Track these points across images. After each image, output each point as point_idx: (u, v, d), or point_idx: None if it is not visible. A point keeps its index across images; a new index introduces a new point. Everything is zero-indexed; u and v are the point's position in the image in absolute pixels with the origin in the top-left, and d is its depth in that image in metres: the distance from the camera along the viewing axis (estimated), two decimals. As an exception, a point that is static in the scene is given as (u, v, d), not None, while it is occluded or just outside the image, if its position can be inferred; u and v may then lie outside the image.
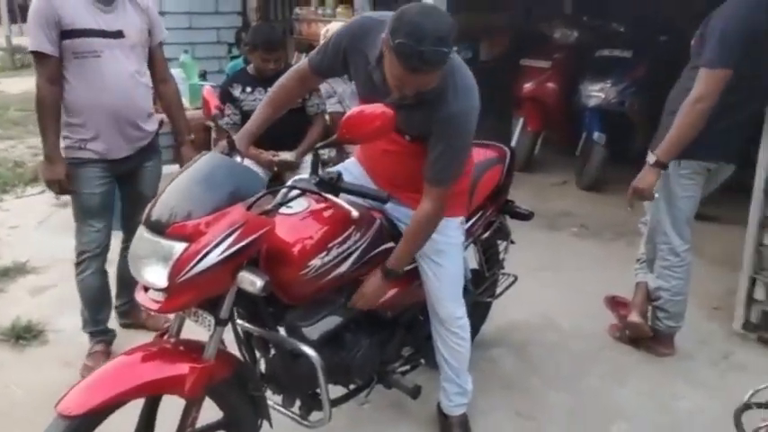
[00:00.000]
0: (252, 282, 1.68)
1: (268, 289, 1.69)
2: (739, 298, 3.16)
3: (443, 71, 1.79)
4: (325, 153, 4.41)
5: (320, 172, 1.84)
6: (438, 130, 1.91)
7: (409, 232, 2.05)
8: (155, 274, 1.63)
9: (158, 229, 1.64)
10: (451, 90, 1.88)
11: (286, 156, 3.58)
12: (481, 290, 2.73)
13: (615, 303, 3.32)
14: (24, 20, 19.66)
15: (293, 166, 3.63)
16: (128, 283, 3.14)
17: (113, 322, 3.16)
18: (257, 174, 1.88)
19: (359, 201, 1.98)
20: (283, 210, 1.85)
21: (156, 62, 2.89)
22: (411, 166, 2.04)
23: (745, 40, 2.45)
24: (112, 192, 2.86)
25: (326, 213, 1.94)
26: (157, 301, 1.67)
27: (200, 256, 1.60)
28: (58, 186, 2.66)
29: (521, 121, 5.66)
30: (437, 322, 2.28)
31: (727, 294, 3.42)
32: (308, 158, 3.74)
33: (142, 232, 1.68)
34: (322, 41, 4.34)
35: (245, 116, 3.10)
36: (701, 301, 3.32)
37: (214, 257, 1.61)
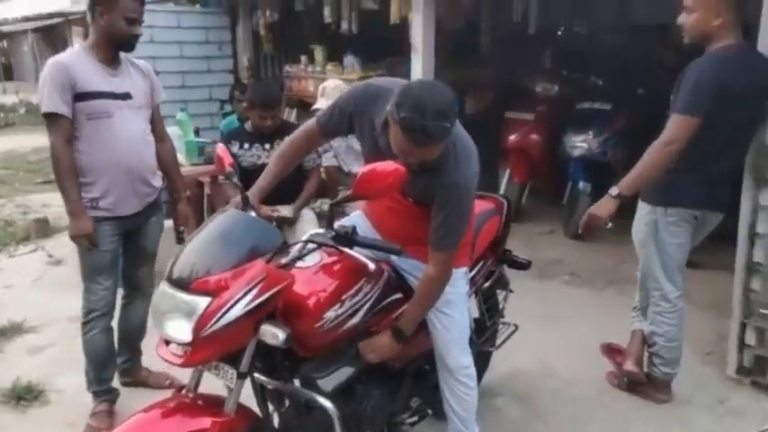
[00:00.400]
0: (274, 334, 1.72)
1: (290, 341, 1.74)
2: (731, 343, 3.22)
3: (446, 142, 1.89)
4: (321, 206, 4.51)
5: (335, 226, 1.90)
6: (440, 198, 2.01)
7: (419, 296, 2.13)
8: (179, 329, 1.67)
9: (181, 284, 1.69)
10: (453, 159, 1.98)
11: (284, 211, 3.64)
12: (483, 339, 2.78)
13: (611, 351, 3.38)
14: (7, 78, 19.82)
15: (291, 222, 3.70)
16: (129, 340, 3.16)
17: (115, 380, 3.15)
18: (275, 229, 1.94)
19: (366, 253, 2.04)
20: (297, 264, 1.91)
21: (154, 123, 3.00)
22: (414, 225, 2.13)
23: (716, 93, 2.59)
24: (120, 249, 2.90)
25: (338, 266, 2.00)
26: (181, 356, 1.70)
27: (223, 311, 1.64)
28: (88, 240, 2.71)
29: (507, 172, 5.81)
30: (445, 372, 2.31)
31: (718, 339, 3.49)
32: (305, 212, 3.81)
33: (165, 288, 1.73)
34: (319, 98, 4.52)
35: (244, 172, 3.18)
36: (694, 347, 3.39)
37: (237, 311, 1.66)
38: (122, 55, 2.81)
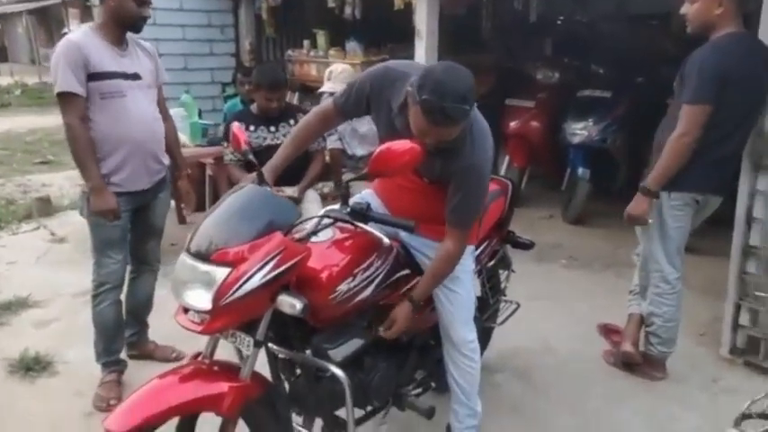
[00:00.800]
0: (292, 304, 1.79)
1: (306, 311, 1.80)
2: (725, 324, 3.31)
3: (463, 124, 1.94)
4: (324, 187, 4.56)
5: (350, 202, 1.96)
6: (457, 180, 2.07)
7: (435, 269, 2.19)
8: (199, 298, 1.73)
9: (201, 255, 1.75)
10: (469, 142, 2.04)
11: (289, 192, 3.70)
12: (486, 316, 2.85)
13: (608, 330, 3.47)
14: (1, 60, 19.74)
15: (296, 202, 3.76)
16: (137, 314, 3.23)
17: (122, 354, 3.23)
18: (292, 204, 2.00)
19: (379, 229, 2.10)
20: (312, 239, 1.97)
21: (158, 102, 3.05)
22: (427, 203, 2.20)
23: (718, 79, 2.66)
24: (129, 224, 2.96)
25: (351, 242, 2.06)
26: (199, 323, 1.76)
27: (242, 281, 1.70)
28: (112, 215, 2.76)
29: (507, 157, 5.87)
30: (450, 346, 2.38)
31: (713, 321, 3.58)
32: (309, 193, 3.87)
33: (185, 258, 1.78)
34: (326, 81, 4.55)
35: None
36: (689, 328, 3.46)
37: (256, 281, 1.71)
38: (129, 36, 2.85)
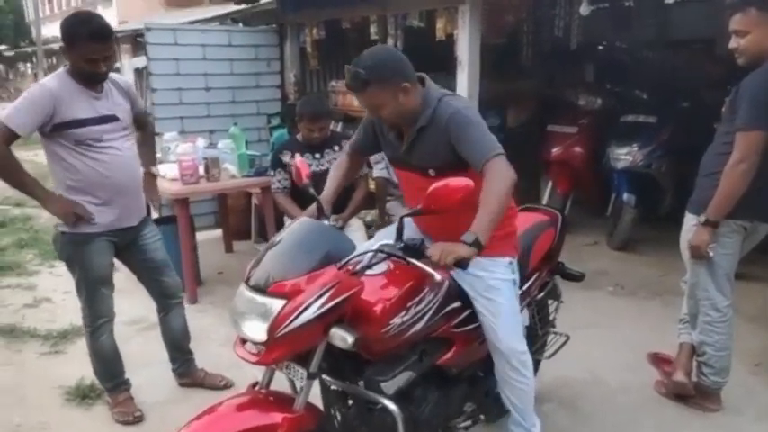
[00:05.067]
0: (343, 338, 1.84)
1: (358, 344, 1.84)
2: (780, 354, 3.24)
3: (382, 87, 2.07)
4: (367, 216, 4.62)
5: (404, 238, 2.00)
6: (454, 136, 2.10)
7: (488, 200, 2.00)
8: (255, 329, 1.79)
9: (259, 287, 1.82)
10: (438, 109, 2.15)
11: (332, 221, 3.74)
12: (535, 348, 2.84)
13: (658, 360, 3.41)
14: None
15: (340, 229, 3.81)
16: (178, 346, 3.35)
17: (173, 382, 3.37)
18: (347, 237, 2.06)
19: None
20: (367, 271, 2.01)
21: (140, 121, 3.18)
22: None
23: None
24: (113, 260, 3.05)
25: (404, 275, 2.09)
26: (256, 354, 1.82)
27: (297, 313, 1.76)
28: (74, 216, 2.78)
29: (549, 183, 5.86)
30: (499, 359, 2.34)
31: (766, 351, 3.50)
32: (353, 221, 3.93)
33: (243, 290, 1.85)
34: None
35: (294, 181, 3.32)
36: (742, 358, 3.38)
37: (310, 314, 1.77)
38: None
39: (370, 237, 3.90)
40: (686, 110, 5.71)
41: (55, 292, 4.85)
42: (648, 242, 5.46)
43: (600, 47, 7.21)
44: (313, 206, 2.24)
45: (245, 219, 5.98)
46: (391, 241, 2.01)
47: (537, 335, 2.87)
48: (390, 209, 4.46)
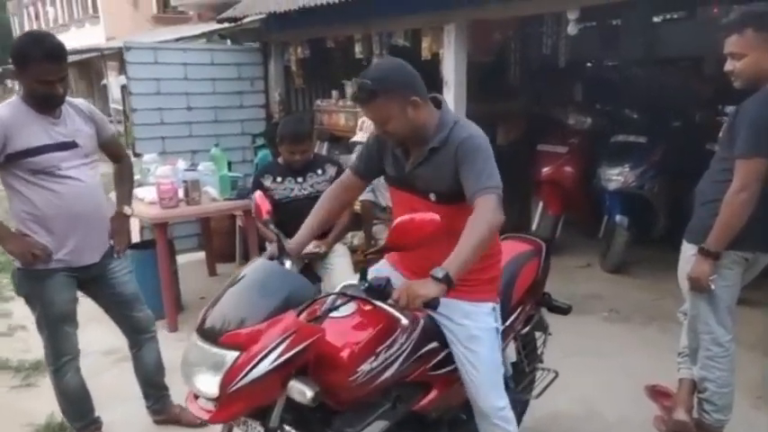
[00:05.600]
0: (302, 392, 1.67)
1: (318, 399, 1.68)
2: (784, 387, 3.08)
3: (388, 99, 1.97)
4: (353, 239, 4.46)
5: (369, 278, 1.85)
6: (461, 159, 1.99)
7: (469, 236, 1.87)
8: (206, 383, 1.63)
9: (211, 337, 1.66)
10: (452, 132, 2.04)
11: (314, 247, 3.60)
12: (522, 386, 2.67)
13: (657, 393, 3.23)
14: None
15: (322, 256, 3.66)
16: (151, 382, 3.17)
17: (148, 419, 3.21)
18: (307, 281, 1.89)
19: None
20: (332, 313, 1.85)
21: (112, 149, 2.99)
22: (440, 238, 1.90)
23: None
24: (76, 297, 2.85)
25: (374, 316, 1.92)
26: (209, 411, 1.65)
27: (251, 365, 1.60)
28: (31, 255, 2.60)
29: (540, 204, 5.72)
30: (479, 416, 2.22)
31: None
32: (338, 247, 3.76)
33: (195, 340, 1.69)
34: (358, 131, 4.49)
35: (276, 205, 3.14)
36: (743, 390, 3.21)
37: (265, 366, 1.61)
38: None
39: (355, 263, 3.75)
40: (677, 129, 5.62)
41: (30, 320, 4.60)
42: (642, 264, 5.31)
43: (588, 65, 7.13)
44: (274, 246, 2.08)
45: (229, 241, 5.81)
46: (355, 282, 1.84)
47: (524, 371, 2.70)
48: (377, 233, 4.31)
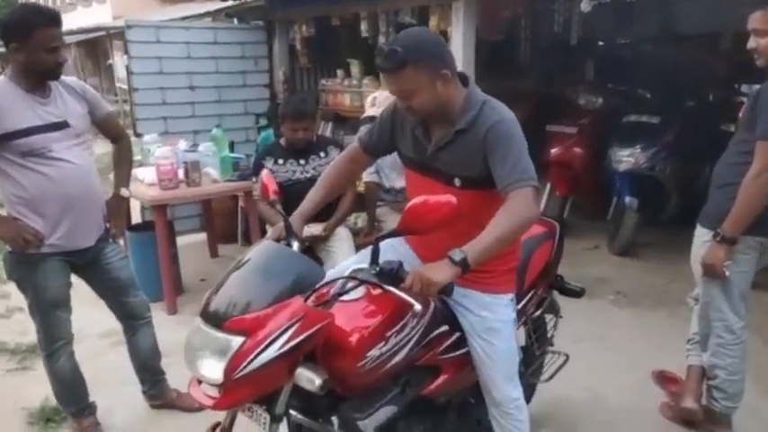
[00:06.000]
0: (310, 379, 1.63)
1: (327, 387, 1.63)
2: (795, 373, 3.02)
3: (422, 68, 1.83)
4: (356, 221, 4.39)
5: (380, 261, 1.78)
6: (491, 145, 1.87)
7: (499, 224, 1.78)
8: (211, 369, 1.58)
9: (216, 321, 1.60)
10: (481, 114, 1.91)
11: (315, 230, 3.53)
12: (531, 370, 2.63)
13: (664, 379, 3.20)
14: None
15: (323, 239, 3.60)
16: (147, 366, 3.14)
17: (144, 404, 3.17)
18: (316, 264, 1.83)
19: None
20: (342, 297, 1.79)
21: (109, 128, 2.91)
22: (464, 224, 1.83)
23: None
24: (70, 281, 2.79)
25: (383, 301, 1.85)
26: (212, 397, 1.61)
27: (257, 351, 1.55)
28: (22, 239, 2.53)
29: (548, 185, 5.64)
30: (492, 405, 2.17)
31: (778, 367, 3.27)
32: (340, 230, 3.70)
33: (199, 324, 1.64)
34: (368, 108, 4.39)
35: (279, 187, 3.07)
36: (752, 378, 3.11)
37: (272, 353, 1.55)
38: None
39: (358, 246, 3.68)
40: (691, 109, 5.51)
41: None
42: (652, 247, 5.24)
43: (601, 43, 6.99)
44: (280, 225, 2.01)
45: (231, 222, 5.75)
46: (366, 265, 1.78)
47: (534, 355, 2.65)
48: (381, 215, 4.24)
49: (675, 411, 2.96)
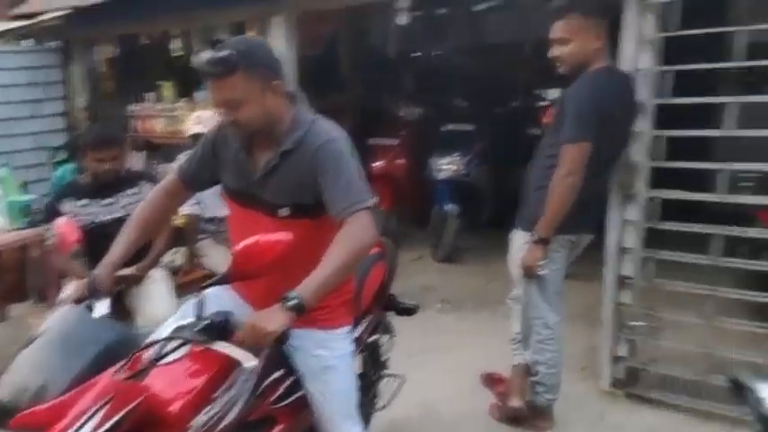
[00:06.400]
0: None
1: None
2: (604, 357, 3.30)
3: (242, 76, 1.75)
4: (174, 258, 4.02)
5: (206, 313, 1.63)
6: (321, 166, 1.79)
7: (334, 256, 1.70)
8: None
9: (7, 411, 1.37)
10: (309, 133, 1.84)
11: (127, 270, 3.02)
12: (368, 399, 2.57)
13: (492, 381, 3.34)
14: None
15: (136, 281, 3.21)
16: None
17: None
18: (128, 329, 1.64)
19: None
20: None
21: None
22: (298, 260, 1.70)
23: (598, 116, 2.59)
24: None
25: (209, 357, 1.69)
26: None
27: None
28: None
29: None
30: None
31: (590, 351, 3.54)
32: (154, 272, 3.30)
33: None
34: (192, 127, 4.03)
35: (82, 232, 2.72)
36: (569, 363, 3.31)
37: None
38: None
39: (178, 287, 3.41)
40: (500, 116, 5.87)
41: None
42: (472, 251, 5.48)
43: (419, 55, 7.19)
44: (83, 283, 1.77)
45: (19, 277, 4.95)
46: (190, 319, 1.63)
47: (370, 382, 2.61)
48: (202, 248, 3.96)
49: (503, 411, 3.10)
